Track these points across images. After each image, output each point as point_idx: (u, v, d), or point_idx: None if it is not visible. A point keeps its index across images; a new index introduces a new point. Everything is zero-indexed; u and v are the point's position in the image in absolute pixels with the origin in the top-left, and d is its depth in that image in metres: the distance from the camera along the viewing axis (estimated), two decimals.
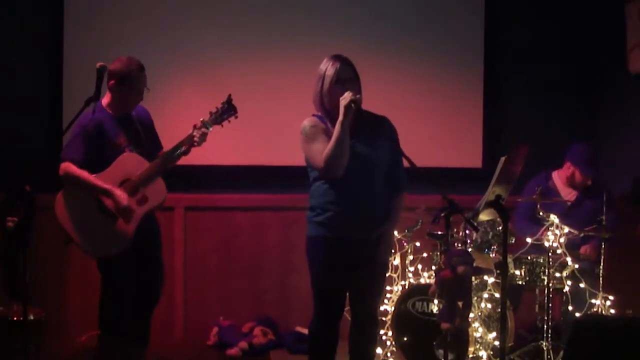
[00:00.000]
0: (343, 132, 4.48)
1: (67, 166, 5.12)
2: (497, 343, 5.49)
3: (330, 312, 4.77)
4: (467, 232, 5.73)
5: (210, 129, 5.22)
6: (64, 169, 5.13)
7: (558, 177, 6.31)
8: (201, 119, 5.20)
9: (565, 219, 5.82)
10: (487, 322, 5.69)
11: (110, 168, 5.16)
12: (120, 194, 5.10)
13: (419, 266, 6.01)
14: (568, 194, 6.24)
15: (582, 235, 5.89)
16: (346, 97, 4.45)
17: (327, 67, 4.61)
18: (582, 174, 6.17)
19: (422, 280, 5.86)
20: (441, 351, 4.90)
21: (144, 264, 5.35)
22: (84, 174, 5.09)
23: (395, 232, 5.69)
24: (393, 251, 5.86)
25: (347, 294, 4.85)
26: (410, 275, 5.97)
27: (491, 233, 5.79)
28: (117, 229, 5.15)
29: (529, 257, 5.80)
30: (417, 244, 6.03)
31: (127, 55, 5.22)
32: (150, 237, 5.40)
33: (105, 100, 5.23)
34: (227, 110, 5.27)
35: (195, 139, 5.17)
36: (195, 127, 5.20)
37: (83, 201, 5.17)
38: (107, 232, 5.17)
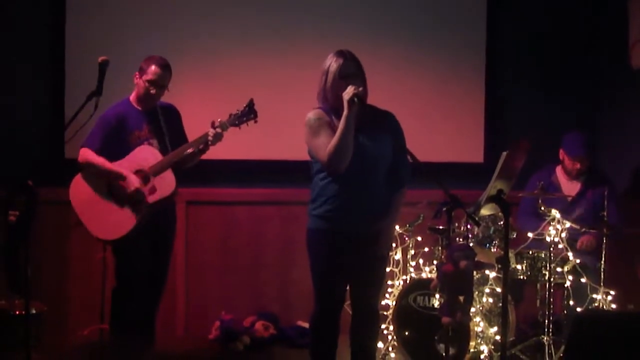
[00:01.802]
0: (347, 126, 4.47)
1: (85, 153, 5.31)
2: (498, 337, 5.50)
3: (330, 305, 4.78)
4: (468, 226, 5.73)
5: (226, 130, 5.34)
6: (83, 156, 5.32)
7: (561, 172, 6.32)
8: (219, 120, 5.30)
9: (566, 214, 5.83)
10: (489, 316, 5.70)
11: (126, 158, 5.32)
12: (132, 179, 5.24)
13: (421, 261, 6.01)
14: (571, 189, 6.24)
15: (583, 230, 5.90)
16: (349, 92, 4.44)
17: (331, 63, 4.60)
18: (570, 157, 6.18)
19: (423, 275, 5.86)
20: (442, 346, 4.90)
21: (154, 255, 5.43)
22: (101, 160, 5.27)
23: (397, 227, 5.70)
24: (395, 245, 5.87)
25: (348, 288, 4.86)
26: (411, 269, 5.98)
27: (493, 228, 5.80)
28: (124, 214, 5.27)
29: (531, 252, 5.80)
30: (419, 238, 6.04)
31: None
32: (164, 230, 5.53)
33: (132, 95, 5.43)
34: (247, 114, 5.40)
35: (209, 138, 5.29)
36: (212, 126, 5.30)
37: (95, 186, 5.32)
38: (114, 216, 5.28)
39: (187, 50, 6.65)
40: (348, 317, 4.91)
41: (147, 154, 5.32)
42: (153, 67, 5.30)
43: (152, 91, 5.33)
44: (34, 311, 5.58)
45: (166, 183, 5.32)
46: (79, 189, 5.35)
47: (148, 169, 5.29)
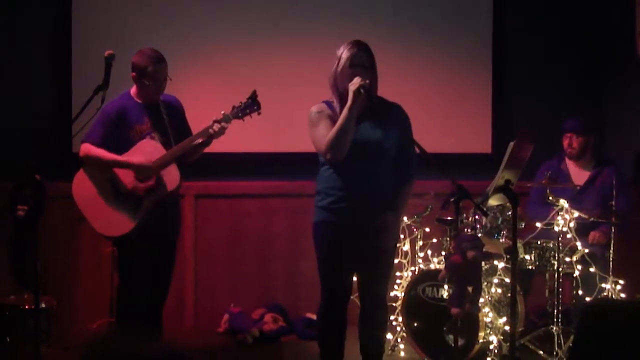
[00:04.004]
0: (349, 117, 4.49)
1: (86, 147, 5.26)
2: (507, 328, 5.50)
3: (337, 297, 4.80)
4: (476, 217, 5.73)
5: (230, 123, 5.26)
6: (84, 150, 5.28)
7: (569, 160, 6.31)
8: (222, 112, 5.24)
9: (575, 202, 5.82)
10: (497, 307, 5.70)
11: (128, 153, 5.25)
12: (139, 161, 5.19)
13: (429, 252, 6.01)
14: (580, 177, 6.23)
15: (591, 220, 5.89)
16: (355, 83, 4.46)
17: (344, 51, 4.63)
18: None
19: (432, 266, 5.86)
20: (451, 336, 4.90)
21: (159, 250, 5.41)
22: (102, 152, 5.22)
23: (405, 218, 5.71)
24: (403, 236, 5.87)
25: (356, 279, 4.87)
26: (420, 260, 5.98)
27: (501, 218, 5.79)
28: (127, 212, 5.24)
29: (539, 242, 5.80)
30: (427, 229, 6.04)
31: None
32: (169, 225, 5.47)
33: (133, 88, 5.35)
34: (251, 106, 5.29)
35: (211, 131, 5.22)
36: (214, 120, 5.23)
37: (98, 182, 5.29)
38: (117, 213, 5.25)
39: (192, 43, 6.66)
40: (357, 309, 4.92)
41: (149, 148, 5.25)
42: (150, 68, 5.18)
43: (155, 89, 5.27)
44: (43, 305, 5.60)
45: (170, 177, 5.27)
46: (82, 185, 5.31)
47: (151, 164, 5.25)
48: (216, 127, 5.21)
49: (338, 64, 4.63)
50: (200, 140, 5.25)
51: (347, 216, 4.64)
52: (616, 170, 6.15)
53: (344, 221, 4.65)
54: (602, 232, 5.97)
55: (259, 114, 5.31)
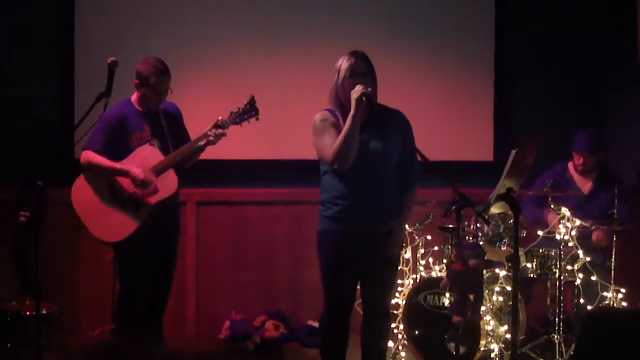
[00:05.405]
0: (353, 125, 4.49)
1: (87, 154, 5.29)
2: (508, 336, 5.49)
3: (340, 305, 4.78)
4: (478, 225, 5.73)
5: (228, 128, 5.27)
6: (85, 157, 5.30)
7: (572, 168, 6.31)
8: (220, 118, 5.25)
9: (579, 210, 5.82)
10: (499, 315, 5.69)
11: (127, 159, 5.27)
12: (136, 170, 5.20)
13: (430, 259, 6.01)
14: (583, 185, 6.23)
15: (593, 227, 5.89)
16: (357, 91, 4.46)
17: (343, 62, 4.63)
18: (574, 152, 6.21)
19: (433, 274, 5.86)
20: (453, 344, 4.90)
21: (158, 255, 5.42)
22: (102, 159, 5.24)
23: (407, 226, 5.70)
24: (404, 245, 5.87)
25: (359, 288, 4.87)
26: (421, 268, 5.98)
27: (502, 226, 5.79)
28: (126, 216, 5.25)
29: (541, 250, 5.80)
30: (429, 237, 6.03)
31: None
32: (167, 230, 5.49)
33: (134, 95, 5.39)
34: (249, 111, 5.32)
35: (210, 137, 5.23)
36: (212, 125, 5.24)
37: (97, 188, 5.31)
38: (116, 218, 5.26)
39: (193, 49, 6.67)
40: (359, 317, 4.92)
41: (148, 154, 5.29)
42: (152, 80, 5.22)
43: (155, 99, 5.31)
44: (44, 311, 5.62)
45: (168, 183, 5.30)
46: (81, 191, 5.33)
47: (150, 169, 5.26)
48: (212, 132, 5.23)
49: (338, 76, 4.63)
50: (199, 144, 5.26)
51: (353, 225, 4.64)
52: (618, 181, 6.14)
53: (349, 229, 4.65)
54: (605, 233, 5.95)
55: (257, 119, 5.34)
